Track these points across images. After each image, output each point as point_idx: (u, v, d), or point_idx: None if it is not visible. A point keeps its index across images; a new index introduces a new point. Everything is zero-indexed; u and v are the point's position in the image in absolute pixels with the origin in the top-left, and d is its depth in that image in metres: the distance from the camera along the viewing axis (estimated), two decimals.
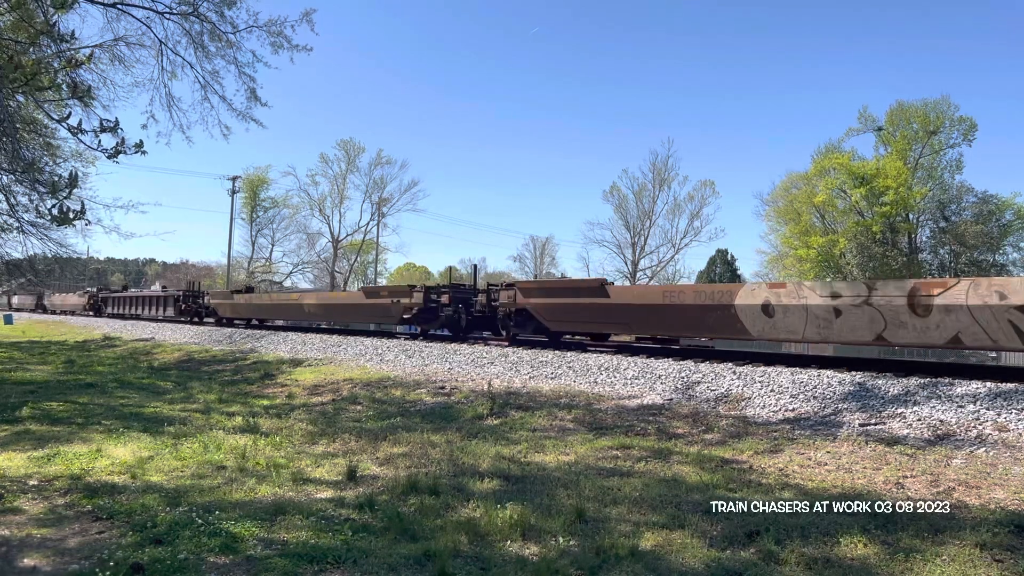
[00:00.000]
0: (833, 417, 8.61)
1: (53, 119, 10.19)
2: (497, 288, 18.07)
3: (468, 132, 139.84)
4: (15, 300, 67.37)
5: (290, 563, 4.51)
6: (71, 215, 6.61)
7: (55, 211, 6.63)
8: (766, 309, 11.83)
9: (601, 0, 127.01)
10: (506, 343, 17.27)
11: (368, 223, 66.90)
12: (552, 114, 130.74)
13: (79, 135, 7.05)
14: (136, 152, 6.85)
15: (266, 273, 64.47)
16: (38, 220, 12.34)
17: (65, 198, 6.75)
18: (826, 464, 6.97)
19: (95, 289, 51.48)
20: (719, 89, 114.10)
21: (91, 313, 46.75)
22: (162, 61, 13.83)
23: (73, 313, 50.39)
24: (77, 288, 60.52)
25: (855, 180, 43.32)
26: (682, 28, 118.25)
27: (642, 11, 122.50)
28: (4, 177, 11.55)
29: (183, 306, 33.48)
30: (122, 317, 40.97)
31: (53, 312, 55.32)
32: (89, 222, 10.55)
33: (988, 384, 8.80)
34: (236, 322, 30.33)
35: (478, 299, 19.02)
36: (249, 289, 34.08)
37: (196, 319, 32.96)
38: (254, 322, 30.31)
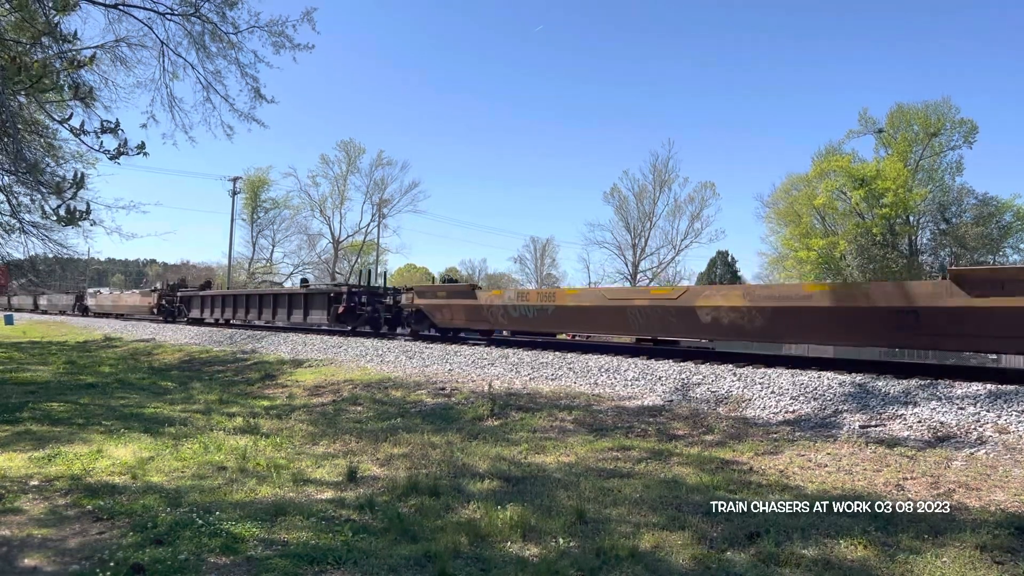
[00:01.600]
0: (833, 418, 8.62)
1: (55, 120, 10.23)
2: None
3: (468, 133, 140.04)
4: (42, 301, 56.11)
5: (290, 563, 4.52)
6: (77, 215, 6.64)
7: (62, 211, 6.65)
8: None
9: (602, 1, 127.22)
10: None
11: (369, 224, 66.98)
12: (552, 115, 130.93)
13: (81, 136, 7.07)
14: (138, 153, 6.87)
15: (266, 274, 64.51)
16: (40, 221, 12.36)
17: (71, 199, 6.77)
18: (826, 465, 6.97)
19: (166, 285, 37.94)
20: (719, 90, 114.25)
21: (160, 318, 35.17)
22: (163, 62, 13.87)
23: (127, 318, 39.97)
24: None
25: (855, 182, 43.33)
26: (682, 29, 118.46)
27: (643, 12, 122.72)
28: (6, 178, 11.57)
29: (342, 308, 21.65)
30: (221, 325, 29.41)
31: (99, 315, 44.77)
32: (94, 223, 10.58)
33: (988, 386, 8.81)
34: (459, 334, 20.27)
35: None
36: (449, 281, 21.99)
37: (372, 329, 22.01)
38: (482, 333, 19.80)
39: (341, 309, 21.70)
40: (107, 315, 44.29)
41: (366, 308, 21.75)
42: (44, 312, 54.69)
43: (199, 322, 31.30)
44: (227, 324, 29.42)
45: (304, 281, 26.75)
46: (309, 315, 23.65)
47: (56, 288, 52.14)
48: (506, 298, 17.62)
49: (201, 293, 32.43)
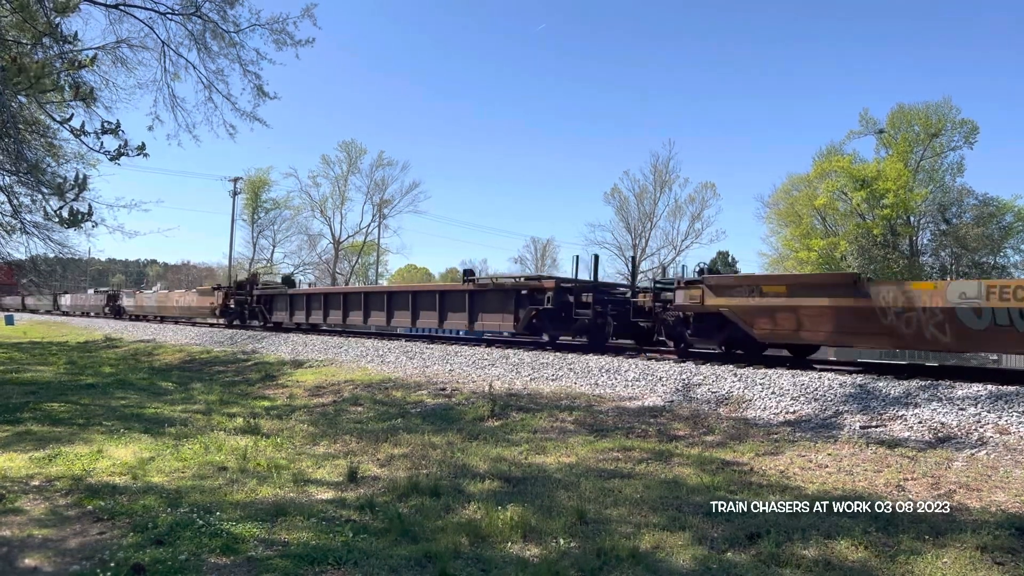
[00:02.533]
0: (834, 419, 8.61)
1: (56, 121, 10.24)
2: None
3: (469, 134, 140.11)
4: (64, 301, 51.20)
5: (291, 564, 4.52)
6: (79, 217, 6.65)
7: (64, 213, 6.66)
8: None
9: (602, 3, 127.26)
10: None
11: (369, 224, 66.97)
12: (553, 115, 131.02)
13: (81, 137, 7.08)
14: (138, 154, 6.89)
15: (267, 274, 64.54)
16: (41, 221, 12.38)
17: (73, 200, 6.78)
18: (827, 466, 6.97)
19: (233, 282, 30.51)
20: (720, 91, 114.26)
21: (223, 322, 29.10)
22: (165, 62, 13.91)
23: (177, 321, 33.75)
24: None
25: (856, 183, 43.36)
26: (683, 30, 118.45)
27: (643, 13, 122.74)
28: (7, 178, 11.58)
29: (535, 312, 15.38)
30: (246, 327, 25.09)
31: (137, 318, 38.45)
32: (95, 223, 10.61)
33: (989, 386, 8.80)
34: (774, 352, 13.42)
35: None
36: (710, 272, 13.80)
37: (591, 341, 15.48)
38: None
39: (534, 313, 15.33)
40: (146, 319, 37.39)
41: (586, 311, 14.66)
42: (65, 314, 49.44)
43: (278, 327, 25.81)
44: (325, 330, 23.69)
45: (469, 273, 18.19)
46: (479, 320, 17.07)
47: (70, 288, 49.20)
48: (955, 295, 9.66)
49: (292, 292, 25.64)
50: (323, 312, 22.98)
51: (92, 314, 46.05)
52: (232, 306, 28.38)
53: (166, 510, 5.63)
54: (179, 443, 8.35)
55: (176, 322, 33.70)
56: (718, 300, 12.46)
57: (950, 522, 5.25)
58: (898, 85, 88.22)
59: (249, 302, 27.63)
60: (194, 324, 30.22)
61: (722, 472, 6.86)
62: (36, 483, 6.54)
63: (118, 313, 41.49)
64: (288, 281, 29.49)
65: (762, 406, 9.51)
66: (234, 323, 28.40)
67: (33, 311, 56.13)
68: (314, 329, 24.31)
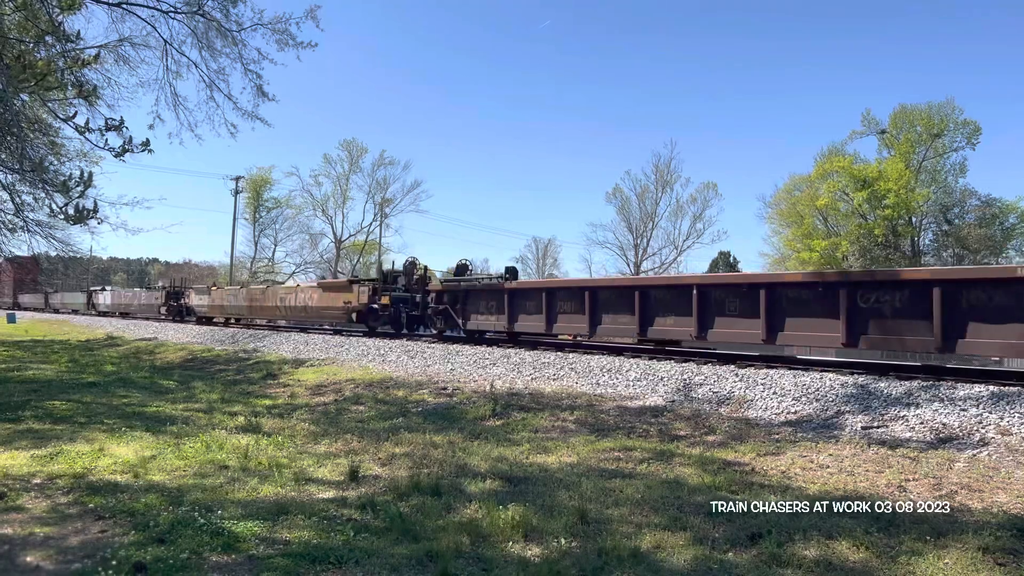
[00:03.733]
0: (835, 419, 8.61)
1: (59, 118, 10.24)
2: None
3: (471, 133, 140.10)
4: (102, 299, 43.46)
5: (292, 563, 4.52)
6: (85, 214, 6.66)
7: (70, 210, 6.67)
8: None
9: (604, 2, 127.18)
10: None
11: (371, 224, 66.99)
12: (555, 115, 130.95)
13: (85, 134, 7.08)
14: (143, 150, 6.90)
15: (268, 273, 64.55)
16: (44, 219, 12.38)
17: (79, 197, 6.79)
18: (828, 466, 6.96)
19: (383, 271, 22.59)
20: (722, 91, 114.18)
21: (363, 332, 21.26)
22: (167, 61, 13.88)
23: (275, 328, 26.23)
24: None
25: (857, 183, 43.34)
26: (685, 30, 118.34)
27: (645, 13, 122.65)
28: (10, 176, 11.59)
29: None
30: (246, 326, 19.07)
31: (206, 321, 30.49)
32: (100, 220, 10.62)
33: (991, 387, 8.78)
34: None
35: None
36: None
37: None
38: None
39: None
40: (214, 322, 29.72)
41: None
42: (103, 314, 42.41)
43: (468, 337, 17.75)
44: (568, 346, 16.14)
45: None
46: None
47: (93, 285, 46.99)
48: None
49: (513, 286, 16.35)
50: (589, 319, 14.42)
51: (134, 315, 38.53)
52: (379, 306, 20.18)
53: (167, 508, 5.64)
54: (180, 441, 8.35)
55: (276, 328, 25.94)
56: None
57: (951, 523, 5.24)
58: (900, 85, 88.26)
59: (416, 301, 19.77)
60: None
61: (723, 472, 6.85)
62: (37, 481, 6.54)
63: (181, 315, 33.17)
64: (463, 269, 19.66)
65: (763, 406, 9.51)
66: (378, 330, 20.59)
67: (55, 311, 52.08)
68: (551, 344, 16.30)
